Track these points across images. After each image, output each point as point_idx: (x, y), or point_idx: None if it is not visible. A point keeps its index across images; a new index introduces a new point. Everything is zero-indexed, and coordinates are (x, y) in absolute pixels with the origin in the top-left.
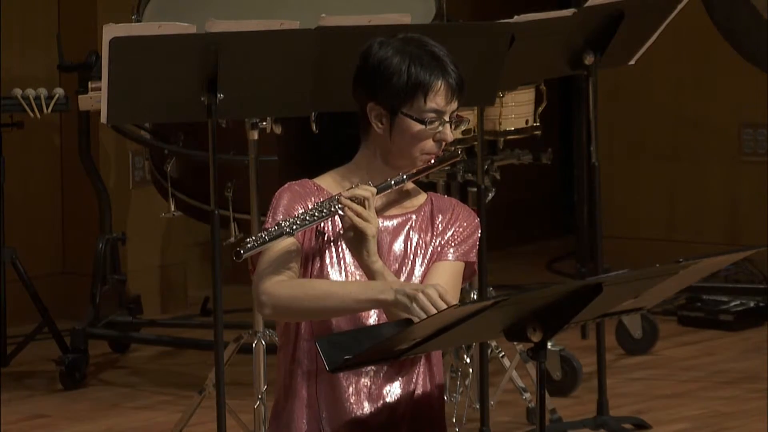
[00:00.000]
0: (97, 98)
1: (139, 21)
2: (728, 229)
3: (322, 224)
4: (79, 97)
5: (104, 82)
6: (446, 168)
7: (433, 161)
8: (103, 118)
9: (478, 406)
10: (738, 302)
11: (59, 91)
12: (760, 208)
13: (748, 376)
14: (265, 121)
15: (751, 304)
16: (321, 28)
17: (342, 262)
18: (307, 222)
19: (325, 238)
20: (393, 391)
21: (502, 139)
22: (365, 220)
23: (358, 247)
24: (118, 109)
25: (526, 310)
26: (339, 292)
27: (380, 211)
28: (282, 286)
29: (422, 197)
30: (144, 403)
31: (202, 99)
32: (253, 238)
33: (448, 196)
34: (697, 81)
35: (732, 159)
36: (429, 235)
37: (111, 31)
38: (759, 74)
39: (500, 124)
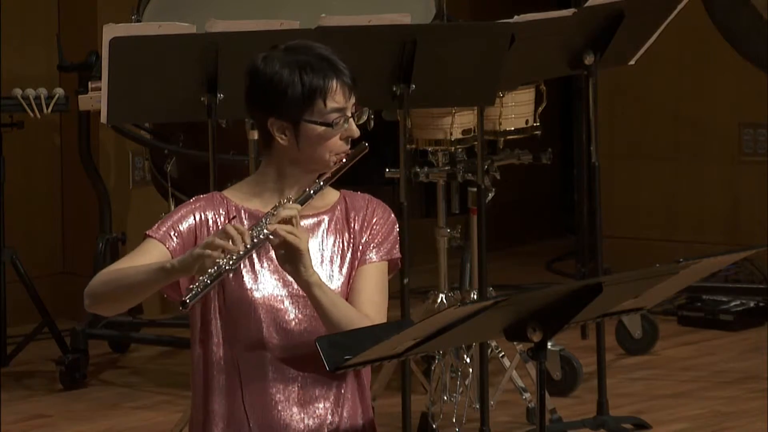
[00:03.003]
0: (97, 98)
1: (139, 21)
2: (728, 229)
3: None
4: (79, 97)
5: (104, 82)
6: (445, 168)
7: (345, 159)
8: (103, 118)
9: (478, 406)
10: (738, 302)
11: (59, 91)
12: (760, 208)
13: (748, 376)
14: None
15: (751, 304)
16: (321, 28)
17: (259, 269)
18: (242, 254)
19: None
20: (323, 407)
21: (502, 139)
22: (295, 236)
23: (293, 263)
24: (118, 109)
25: (526, 310)
26: (140, 267)
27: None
28: (99, 275)
29: (334, 196)
30: (144, 403)
31: (202, 99)
32: (196, 284)
33: (362, 192)
34: (697, 81)
35: (732, 159)
36: (346, 235)
37: (111, 31)
38: (759, 74)
39: (500, 124)
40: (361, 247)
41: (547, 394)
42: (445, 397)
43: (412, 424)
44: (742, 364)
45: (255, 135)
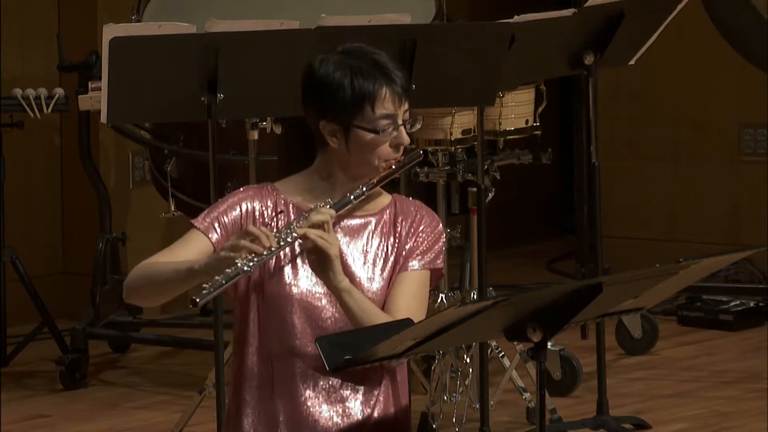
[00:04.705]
0: (97, 98)
1: (139, 21)
2: (728, 229)
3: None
4: (79, 97)
5: (104, 82)
6: (445, 168)
7: (394, 166)
8: (103, 118)
9: (478, 406)
10: (738, 302)
11: (59, 91)
12: (760, 208)
13: (748, 376)
14: (265, 121)
15: (751, 304)
16: (321, 28)
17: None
18: (265, 256)
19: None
20: (353, 406)
21: (502, 139)
22: (326, 241)
23: (323, 268)
24: (118, 109)
25: (526, 310)
26: (172, 265)
27: (341, 214)
28: (137, 267)
29: (385, 200)
30: (144, 403)
31: (202, 99)
32: (209, 284)
33: (410, 197)
34: (697, 81)
35: (732, 159)
36: (391, 239)
37: (111, 31)
38: (759, 74)
39: (500, 124)
40: (404, 253)
41: (547, 394)
42: (445, 397)
43: (412, 424)
44: (742, 364)
45: (255, 135)
